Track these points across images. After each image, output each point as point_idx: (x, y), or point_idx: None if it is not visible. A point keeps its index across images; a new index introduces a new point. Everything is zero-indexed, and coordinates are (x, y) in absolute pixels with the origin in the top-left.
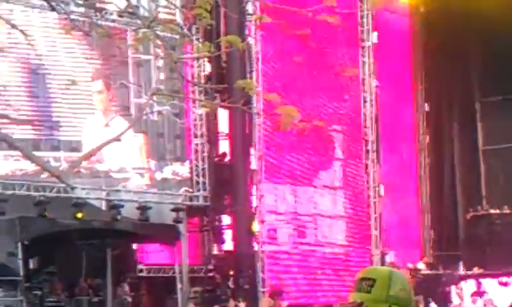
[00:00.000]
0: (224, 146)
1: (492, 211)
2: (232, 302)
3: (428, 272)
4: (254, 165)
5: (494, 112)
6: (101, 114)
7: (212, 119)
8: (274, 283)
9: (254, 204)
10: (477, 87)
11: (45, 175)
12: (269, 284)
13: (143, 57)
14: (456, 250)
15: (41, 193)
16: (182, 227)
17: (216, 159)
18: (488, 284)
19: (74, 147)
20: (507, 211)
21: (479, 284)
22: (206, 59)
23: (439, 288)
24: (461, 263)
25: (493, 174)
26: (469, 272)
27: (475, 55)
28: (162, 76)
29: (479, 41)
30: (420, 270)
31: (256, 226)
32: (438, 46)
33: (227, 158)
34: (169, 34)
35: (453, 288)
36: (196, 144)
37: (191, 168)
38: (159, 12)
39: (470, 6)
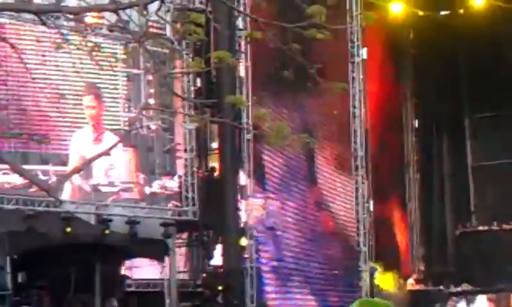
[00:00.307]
0: (213, 161)
1: (481, 227)
2: None
3: (417, 288)
4: (243, 180)
5: (483, 128)
6: (90, 128)
7: (201, 134)
8: (261, 299)
9: (243, 219)
10: (466, 103)
11: (33, 189)
12: (257, 301)
13: (133, 71)
14: (444, 266)
15: (30, 207)
16: (170, 242)
17: (205, 174)
18: (479, 301)
19: (63, 161)
20: (496, 228)
21: (468, 302)
22: (196, 74)
23: (431, 305)
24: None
25: (482, 191)
26: (459, 289)
27: (464, 71)
28: (151, 90)
29: (468, 57)
30: (408, 286)
31: (245, 242)
32: (427, 62)
33: (216, 173)
34: (159, 49)
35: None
36: (186, 159)
37: (180, 183)
38: (150, 27)
39: (458, 23)
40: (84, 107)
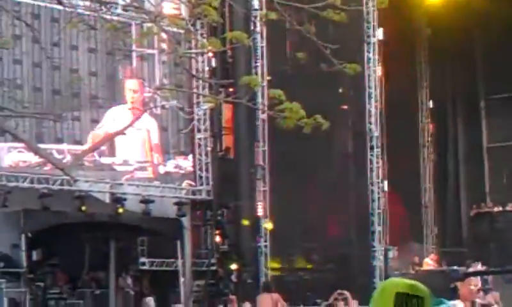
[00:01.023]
0: (228, 140)
1: (495, 208)
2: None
3: (431, 268)
4: (258, 160)
5: (499, 109)
6: (129, 111)
7: (216, 114)
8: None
9: (258, 199)
10: (481, 84)
11: (48, 168)
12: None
13: (148, 51)
14: (459, 246)
15: (45, 185)
16: (185, 221)
17: (220, 154)
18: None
19: (78, 140)
20: (510, 208)
21: (484, 281)
22: (211, 54)
23: (448, 284)
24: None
25: (496, 172)
26: (473, 269)
27: (479, 52)
28: (166, 70)
29: (484, 38)
30: (423, 265)
31: (259, 221)
32: (443, 43)
33: (231, 153)
34: (174, 29)
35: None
36: (200, 139)
37: (194, 162)
38: (165, 7)
39: (474, 3)
40: (127, 89)
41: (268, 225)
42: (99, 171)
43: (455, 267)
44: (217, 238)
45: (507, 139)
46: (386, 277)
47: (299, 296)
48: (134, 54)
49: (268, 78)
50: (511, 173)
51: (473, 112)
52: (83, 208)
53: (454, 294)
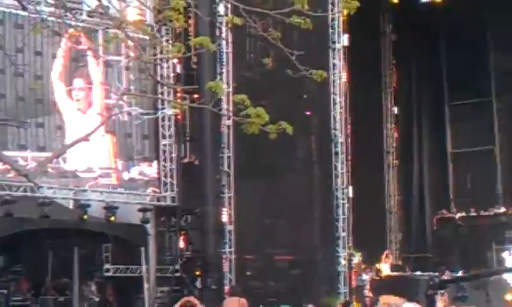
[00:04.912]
0: (193, 147)
1: (459, 214)
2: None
3: (395, 274)
4: (223, 166)
5: (463, 115)
6: (69, 114)
7: (181, 120)
8: (232, 283)
9: (223, 204)
10: (446, 91)
11: (11, 174)
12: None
13: (113, 57)
14: (423, 252)
15: (8, 192)
16: (149, 227)
17: (185, 160)
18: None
19: (42, 146)
20: (474, 214)
21: (459, 288)
22: (176, 60)
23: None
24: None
25: (460, 177)
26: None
27: (445, 58)
28: (132, 76)
29: (449, 44)
30: (386, 272)
31: (224, 227)
32: (408, 49)
33: (196, 160)
34: (139, 35)
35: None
36: (164, 145)
37: (159, 168)
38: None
39: (439, 10)
40: (74, 89)
41: None
42: (63, 177)
43: (418, 272)
44: (182, 245)
45: (471, 145)
46: (350, 283)
47: (264, 302)
48: (99, 60)
49: (233, 84)
50: (474, 179)
51: (438, 118)
52: (46, 214)
53: (431, 302)
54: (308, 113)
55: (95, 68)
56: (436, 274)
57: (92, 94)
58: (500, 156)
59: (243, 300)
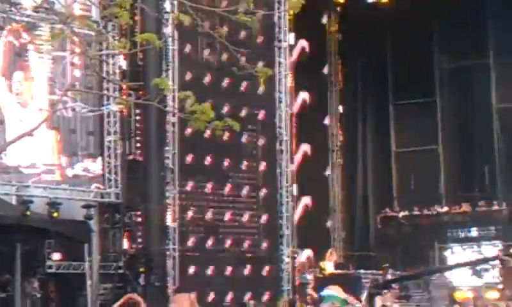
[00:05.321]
0: (138, 143)
1: (402, 213)
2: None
3: (339, 272)
4: (167, 163)
5: (407, 115)
6: (13, 109)
7: (126, 116)
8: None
9: (167, 202)
10: (391, 90)
11: None
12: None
13: (58, 53)
14: (366, 250)
15: None
16: (92, 224)
17: (129, 157)
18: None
19: None
20: (417, 213)
21: (402, 287)
22: (122, 57)
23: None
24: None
25: (404, 177)
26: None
27: (390, 58)
28: (77, 72)
29: (394, 44)
30: (329, 269)
31: (168, 224)
32: (354, 48)
33: (140, 156)
34: (85, 31)
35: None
36: (109, 141)
37: (103, 165)
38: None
39: (385, 10)
40: (14, 82)
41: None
42: (5, 173)
43: (362, 271)
44: (125, 241)
45: (415, 144)
46: (293, 281)
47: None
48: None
49: (179, 81)
50: (418, 178)
51: (383, 117)
52: None
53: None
54: (254, 111)
55: (37, 63)
56: (380, 272)
57: (33, 88)
58: (443, 155)
59: (193, 296)
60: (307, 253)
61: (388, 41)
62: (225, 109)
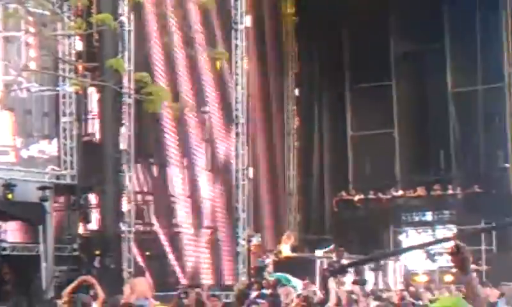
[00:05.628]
0: (93, 125)
1: (357, 196)
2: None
3: (294, 255)
4: (123, 145)
5: (363, 99)
6: None
7: (81, 97)
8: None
9: (123, 183)
10: (347, 73)
11: None
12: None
13: (13, 33)
14: (322, 234)
15: None
16: (47, 205)
17: (85, 138)
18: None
19: None
20: (372, 196)
21: (357, 272)
22: (78, 37)
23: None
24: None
25: (360, 160)
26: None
27: (346, 41)
28: (32, 53)
29: (351, 27)
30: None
31: (124, 206)
32: (311, 31)
33: (96, 138)
34: (40, 11)
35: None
36: (65, 123)
37: (59, 146)
38: None
39: None
40: None
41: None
42: None
43: (316, 253)
44: (80, 224)
45: (371, 128)
46: (249, 264)
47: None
48: None
49: (135, 62)
50: (373, 162)
51: (339, 100)
52: None
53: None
54: (210, 93)
55: None
56: (334, 255)
57: None
58: (398, 139)
59: (150, 280)
60: (261, 236)
61: (344, 25)
62: (182, 91)
